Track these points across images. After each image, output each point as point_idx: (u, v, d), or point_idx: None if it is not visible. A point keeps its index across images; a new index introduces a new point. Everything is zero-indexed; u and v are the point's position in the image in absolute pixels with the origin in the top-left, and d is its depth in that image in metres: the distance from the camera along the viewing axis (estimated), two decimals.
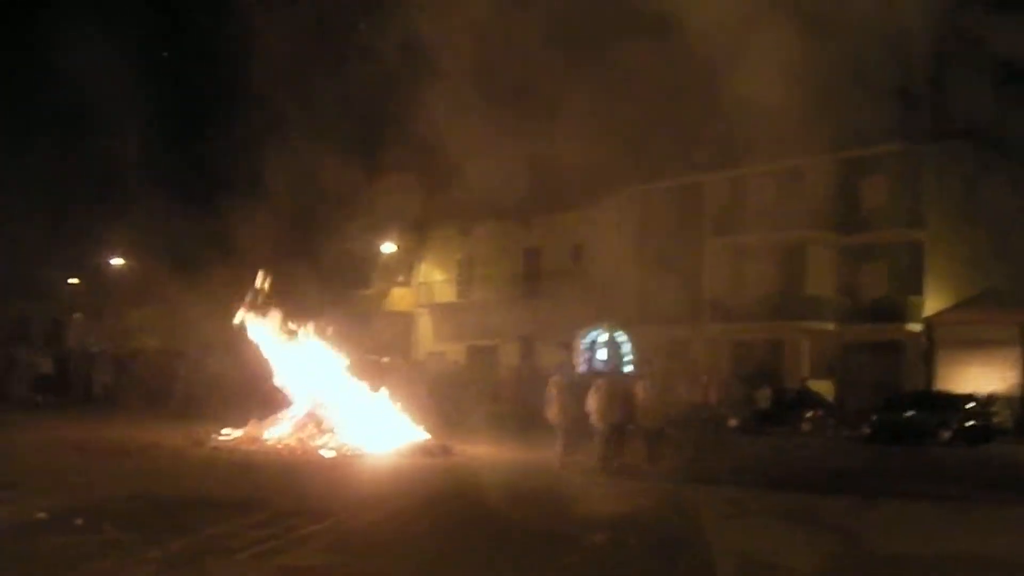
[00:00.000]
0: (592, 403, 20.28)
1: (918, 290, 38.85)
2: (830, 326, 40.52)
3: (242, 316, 24.21)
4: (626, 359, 26.94)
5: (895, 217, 39.03)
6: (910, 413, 31.84)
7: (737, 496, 16.75)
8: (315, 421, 22.47)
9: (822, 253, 41.17)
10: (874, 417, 32.39)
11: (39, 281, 59.54)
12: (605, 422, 20.14)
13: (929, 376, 37.77)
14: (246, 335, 24.49)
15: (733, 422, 34.66)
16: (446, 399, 30.36)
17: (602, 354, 26.05)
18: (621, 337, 25.05)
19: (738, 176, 42.54)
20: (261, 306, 24.27)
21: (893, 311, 38.93)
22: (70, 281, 63.24)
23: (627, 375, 23.34)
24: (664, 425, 21.31)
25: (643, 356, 25.09)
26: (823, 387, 38.37)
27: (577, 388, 21.42)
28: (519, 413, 29.67)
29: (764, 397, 35.39)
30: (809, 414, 34.40)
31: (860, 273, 40.62)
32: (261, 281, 24.36)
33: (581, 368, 24.90)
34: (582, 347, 25.61)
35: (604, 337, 26.04)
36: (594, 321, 39.28)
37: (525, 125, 24.72)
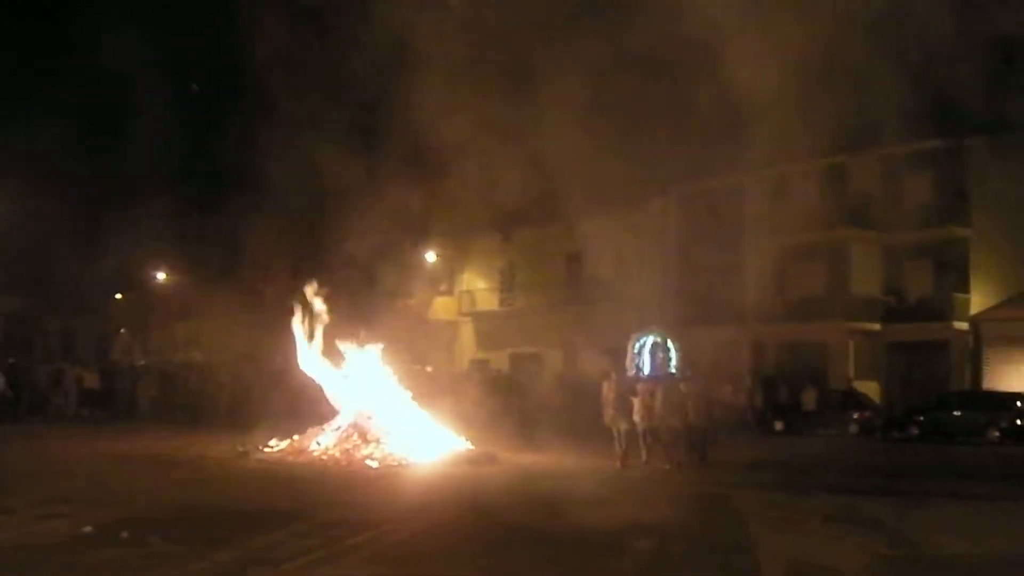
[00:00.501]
0: (658, 406, 21.64)
1: (964, 288, 38.40)
2: (875, 326, 40.17)
3: (289, 329, 24.33)
4: (673, 364, 27.07)
5: (940, 214, 38.56)
6: (958, 413, 31.58)
7: (784, 499, 16.67)
8: (359, 432, 22.47)
9: (866, 252, 40.83)
10: (921, 417, 32.13)
11: (85, 297, 60.06)
12: (669, 424, 21.56)
13: (976, 375, 37.36)
14: (291, 347, 24.59)
15: (779, 424, 34.50)
16: (490, 408, 30.34)
17: (649, 359, 26.21)
18: (669, 342, 25.30)
19: (780, 176, 42.22)
20: (307, 319, 24.36)
21: (939, 310, 38.53)
22: (116, 296, 63.74)
23: (675, 379, 23.51)
24: (709, 426, 22.55)
25: (687, 360, 25.16)
26: (869, 388, 38.07)
27: (629, 392, 22.28)
28: (563, 420, 29.59)
29: (810, 399, 35.17)
30: (856, 415, 34.12)
31: (905, 272, 40.22)
32: (307, 294, 24.45)
33: (631, 372, 25.16)
34: (633, 352, 25.78)
35: (652, 342, 26.24)
36: (640, 326, 39.18)
37: (564, 129, 24.66)
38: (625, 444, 21.70)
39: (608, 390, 22.39)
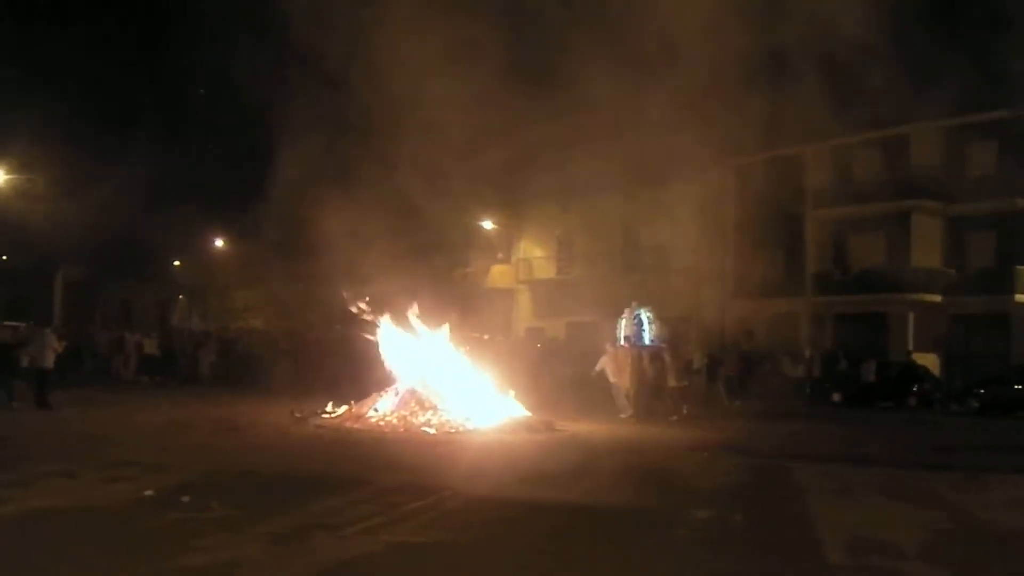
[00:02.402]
0: (667, 369, 26.15)
1: None
2: (936, 298, 39.80)
3: (349, 297, 24.41)
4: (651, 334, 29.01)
5: (1003, 185, 38.04)
6: (1018, 386, 31.26)
7: (843, 471, 16.58)
8: (417, 398, 22.52)
9: (928, 223, 40.43)
10: (981, 391, 31.84)
11: (144, 264, 60.58)
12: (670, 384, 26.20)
13: None
14: (349, 314, 24.68)
15: (837, 396, 34.30)
16: (548, 375, 30.38)
17: (636, 330, 27.82)
18: (649, 316, 27.04)
19: (841, 146, 41.80)
20: (366, 286, 24.46)
21: (1001, 282, 38.10)
22: (175, 264, 64.21)
23: (658, 348, 26.78)
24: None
25: (663, 331, 27.43)
26: (928, 360, 37.73)
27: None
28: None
29: (869, 371, 34.92)
30: (915, 388, 33.86)
31: (967, 243, 39.81)
32: (365, 263, 24.55)
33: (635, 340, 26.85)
34: (635, 321, 27.11)
35: (636, 316, 27.63)
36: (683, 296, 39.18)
37: (622, 100, 24.57)
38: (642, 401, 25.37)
39: (623, 355, 25.99)
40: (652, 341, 26.22)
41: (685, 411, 26.32)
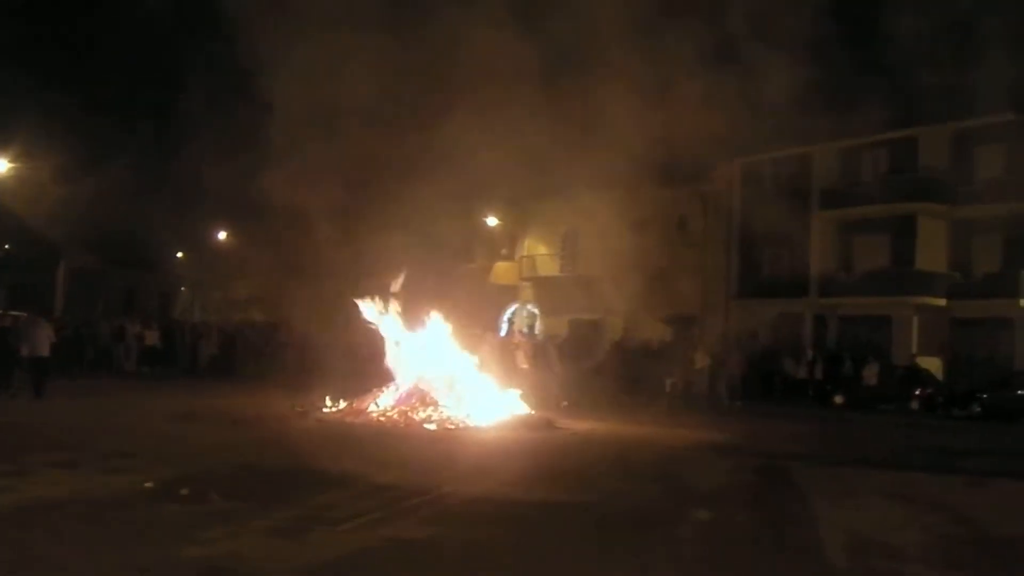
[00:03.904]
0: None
1: None
2: (940, 301, 39.69)
3: (349, 290, 24.43)
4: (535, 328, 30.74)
5: (1010, 189, 37.90)
6: (1022, 392, 31.18)
7: (843, 473, 16.56)
8: (419, 394, 22.54)
9: (933, 225, 40.33)
10: (984, 395, 31.78)
11: (147, 254, 60.60)
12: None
13: None
14: (353, 307, 24.67)
15: (839, 399, 34.26)
16: (549, 373, 30.35)
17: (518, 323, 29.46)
18: (535, 310, 28.54)
19: (848, 147, 41.74)
20: (370, 281, 24.45)
21: (1006, 286, 37.96)
22: (177, 255, 64.23)
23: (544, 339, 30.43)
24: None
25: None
26: (932, 364, 37.66)
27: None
28: (622, 387, 29.62)
29: (871, 374, 34.86)
30: (917, 391, 33.78)
31: (972, 247, 39.69)
32: (368, 256, 24.55)
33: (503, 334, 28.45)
34: (520, 315, 29.04)
35: (520, 311, 29.11)
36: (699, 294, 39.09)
37: (629, 97, 24.52)
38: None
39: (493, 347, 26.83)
40: (527, 334, 27.10)
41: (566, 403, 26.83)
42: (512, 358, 27.07)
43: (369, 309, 24.26)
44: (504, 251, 55.66)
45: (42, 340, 24.46)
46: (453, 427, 20.97)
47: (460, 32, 24.45)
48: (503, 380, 24.55)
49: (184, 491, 11.64)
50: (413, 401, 22.32)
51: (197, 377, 34.36)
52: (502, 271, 55.43)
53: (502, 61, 24.23)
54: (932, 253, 40.03)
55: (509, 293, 54.55)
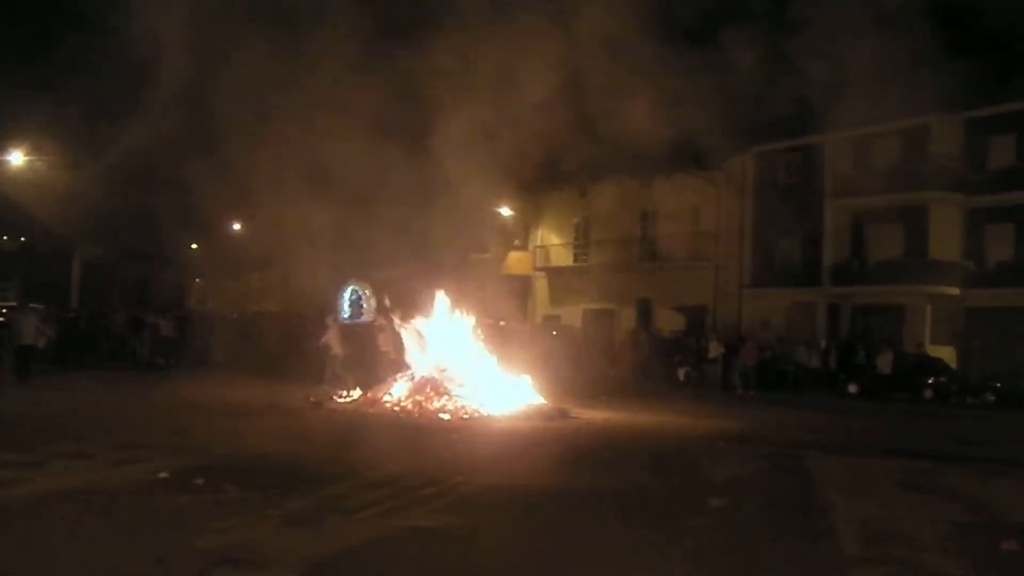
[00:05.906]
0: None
1: None
2: (954, 290, 39.55)
3: (363, 281, 24.51)
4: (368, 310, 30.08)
5: (1023, 177, 37.79)
6: None
7: (858, 462, 16.54)
8: (432, 384, 22.55)
9: (947, 214, 40.15)
10: (998, 384, 31.71)
11: (162, 245, 60.58)
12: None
13: None
14: (367, 298, 24.73)
15: (852, 388, 34.20)
16: (563, 363, 30.36)
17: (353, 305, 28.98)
18: (367, 292, 27.98)
19: (860, 136, 41.57)
20: (382, 272, 24.52)
21: (1019, 275, 37.81)
22: (191, 246, 64.21)
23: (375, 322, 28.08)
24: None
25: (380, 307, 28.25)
26: (945, 353, 37.57)
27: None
28: (636, 376, 29.63)
29: (885, 362, 34.79)
30: (931, 380, 33.71)
31: (986, 235, 39.53)
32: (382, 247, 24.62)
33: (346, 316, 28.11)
34: (347, 299, 28.54)
35: (354, 291, 28.69)
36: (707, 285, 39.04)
37: (643, 85, 24.47)
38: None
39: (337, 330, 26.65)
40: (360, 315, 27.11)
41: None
42: (375, 341, 26.72)
43: (382, 299, 24.35)
44: (517, 241, 55.63)
45: (28, 329, 25.13)
46: (467, 416, 20.99)
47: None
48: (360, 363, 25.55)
49: (199, 481, 11.66)
50: (427, 391, 22.34)
51: (211, 368, 34.39)
52: (515, 261, 55.39)
53: (522, 42, 24.20)
54: (945, 242, 39.85)
55: (522, 283, 54.54)
